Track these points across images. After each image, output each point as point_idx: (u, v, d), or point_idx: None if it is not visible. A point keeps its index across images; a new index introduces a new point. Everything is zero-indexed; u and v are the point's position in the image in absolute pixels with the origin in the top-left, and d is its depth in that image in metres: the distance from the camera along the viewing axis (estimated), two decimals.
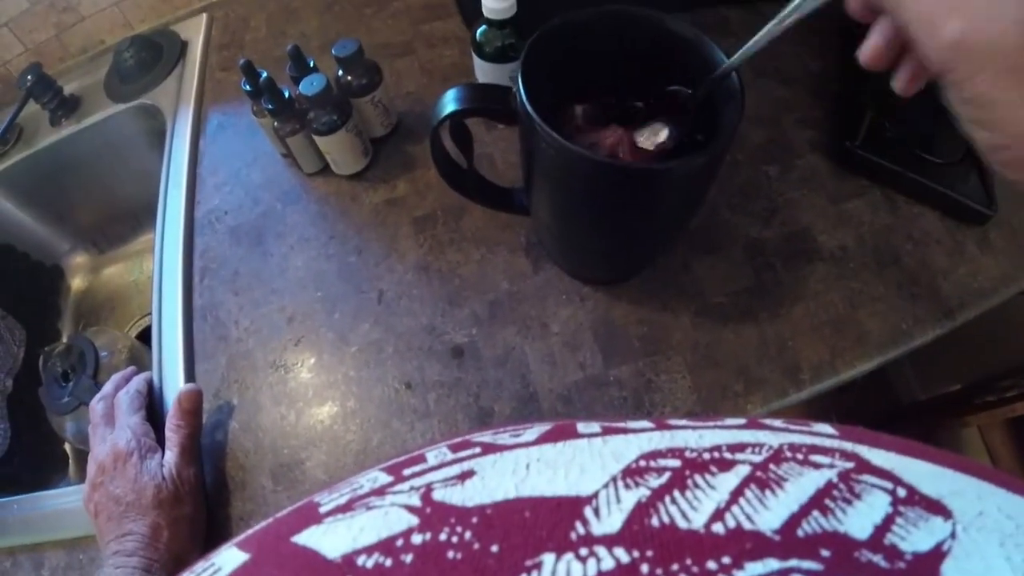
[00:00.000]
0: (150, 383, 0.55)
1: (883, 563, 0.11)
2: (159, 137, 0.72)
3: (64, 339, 0.84)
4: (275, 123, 0.56)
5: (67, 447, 0.80)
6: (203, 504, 0.49)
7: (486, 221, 0.57)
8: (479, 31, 0.55)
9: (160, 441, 0.49)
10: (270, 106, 0.54)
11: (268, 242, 0.59)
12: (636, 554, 0.12)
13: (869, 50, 0.26)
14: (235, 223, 0.61)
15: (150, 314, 0.79)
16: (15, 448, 0.77)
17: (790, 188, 0.59)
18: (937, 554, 0.11)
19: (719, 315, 0.53)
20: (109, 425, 0.50)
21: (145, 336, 0.81)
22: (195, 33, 0.77)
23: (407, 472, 0.18)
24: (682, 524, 0.13)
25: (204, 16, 0.78)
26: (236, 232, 0.60)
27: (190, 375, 0.55)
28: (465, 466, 0.18)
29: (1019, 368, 0.85)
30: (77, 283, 0.86)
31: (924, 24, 0.20)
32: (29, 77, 0.73)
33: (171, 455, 0.47)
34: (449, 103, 0.42)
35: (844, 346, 0.52)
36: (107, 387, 0.54)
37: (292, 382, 0.53)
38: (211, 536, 0.49)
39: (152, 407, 0.54)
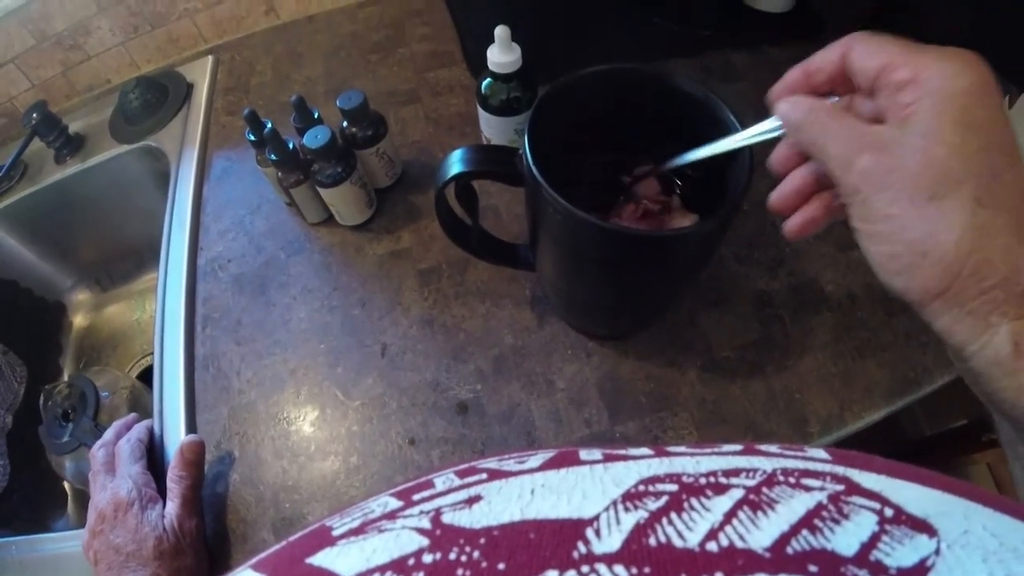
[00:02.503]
0: (151, 431, 0.55)
1: None
2: (163, 178, 0.72)
3: (65, 376, 0.84)
4: (279, 174, 0.56)
5: (66, 485, 0.79)
6: (205, 556, 0.48)
7: (491, 275, 0.56)
8: (484, 84, 0.55)
9: (161, 491, 0.49)
10: (274, 157, 0.54)
11: (271, 292, 0.59)
12: (635, 571, 0.13)
13: (779, 193, 0.31)
14: (238, 272, 0.61)
15: (152, 354, 0.79)
16: (14, 485, 0.76)
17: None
18: (921, 569, 0.12)
19: (726, 370, 0.52)
20: (110, 473, 0.50)
21: (146, 375, 0.81)
22: (201, 75, 0.77)
23: (416, 497, 0.19)
24: (678, 543, 0.13)
25: (210, 58, 0.79)
26: (239, 281, 0.60)
27: (191, 425, 0.55)
28: (472, 491, 0.18)
29: None
30: (79, 320, 0.86)
31: (842, 161, 0.25)
32: (35, 115, 0.73)
33: (172, 506, 0.47)
34: (455, 164, 0.42)
35: (852, 397, 0.52)
36: (108, 434, 0.54)
37: (294, 436, 0.53)
38: None
39: (153, 456, 0.54)
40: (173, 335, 0.59)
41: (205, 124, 0.72)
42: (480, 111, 0.56)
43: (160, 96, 0.74)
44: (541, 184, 0.37)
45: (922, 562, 0.12)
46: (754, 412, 0.51)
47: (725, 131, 0.40)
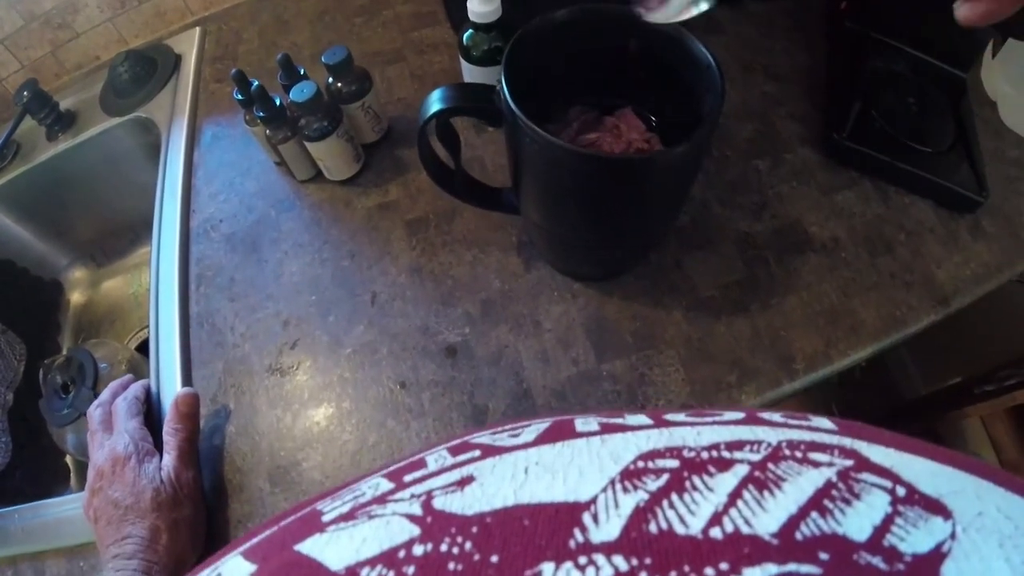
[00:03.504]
0: (148, 390, 0.56)
1: (882, 565, 0.11)
2: (155, 150, 0.73)
3: (64, 352, 0.85)
4: (267, 131, 0.57)
5: (68, 460, 0.80)
6: (202, 507, 0.49)
7: (478, 223, 0.57)
8: (466, 35, 0.56)
9: (158, 446, 0.49)
10: (261, 114, 0.55)
11: (263, 249, 0.60)
12: (635, 562, 0.12)
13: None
14: (230, 231, 0.61)
15: (147, 327, 0.80)
16: (16, 461, 0.77)
17: (780, 182, 0.60)
18: (937, 555, 0.11)
19: (711, 309, 0.53)
20: (107, 431, 0.50)
21: (144, 348, 0.81)
22: (188, 47, 0.78)
23: (408, 478, 0.19)
24: (680, 530, 0.13)
25: (197, 30, 0.79)
26: (231, 240, 0.61)
27: (187, 381, 0.56)
28: (464, 471, 0.18)
29: (1019, 359, 0.85)
30: (76, 297, 0.87)
31: None
32: (25, 93, 0.74)
33: (169, 458, 0.48)
34: (434, 103, 0.43)
35: (838, 335, 0.52)
36: (104, 394, 0.54)
37: (288, 385, 0.53)
38: (210, 538, 0.49)
39: (150, 414, 0.54)
40: (168, 296, 0.60)
41: (194, 93, 0.72)
42: (463, 63, 0.57)
43: (149, 69, 0.75)
44: (517, 115, 0.38)
45: (938, 547, 0.12)
46: (740, 349, 0.52)
47: (699, 65, 0.41)
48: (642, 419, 0.19)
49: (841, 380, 0.97)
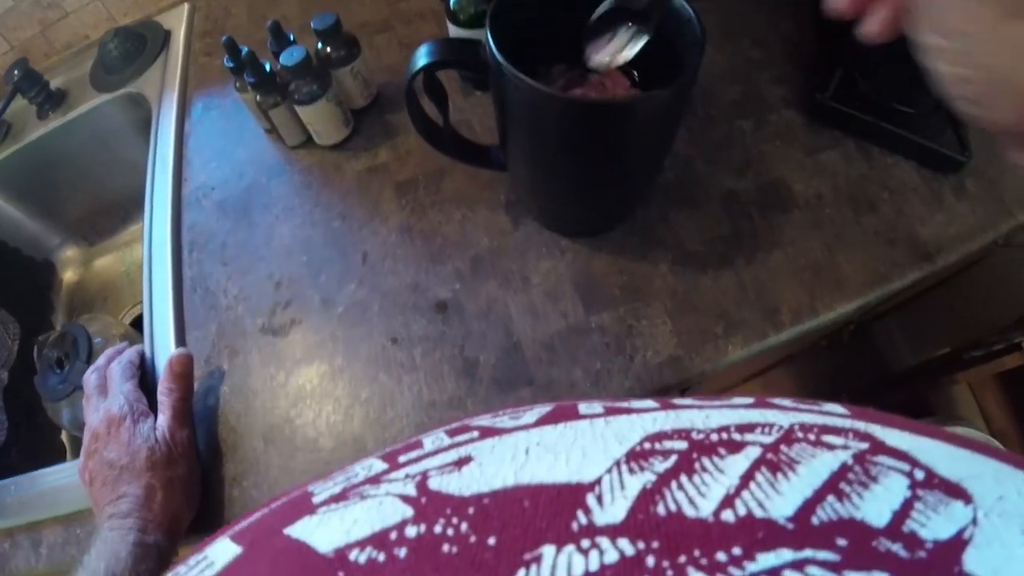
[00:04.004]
0: (142, 355, 0.56)
1: (903, 552, 0.11)
2: (145, 126, 0.73)
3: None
4: (257, 97, 0.58)
5: (64, 438, 0.81)
6: (197, 465, 0.50)
7: (466, 183, 0.58)
8: None
9: (153, 408, 0.50)
10: (252, 80, 0.56)
11: (254, 214, 0.60)
12: (641, 545, 0.11)
13: None
14: (222, 197, 0.62)
15: (142, 302, 0.80)
16: (12, 440, 0.78)
17: (764, 141, 0.61)
18: (959, 542, 0.11)
19: (697, 262, 0.54)
20: (102, 395, 0.51)
21: (137, 324, 0.82)
22: (177, 23, 0.78)
23: (403, 459, 0.18)
24: (690, 512, 0.12)
25: (186, 6, 0.80)
26: (223, 206, 0.61)
27: (181, 344, 0.56)
28: (462, 451, 0.17)
29: (1008, 326, 0.86)
30: (69, 276, 0.87)
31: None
32: (16, 72, 0.75)
33: (163, 418, 0.48)
34: (422, 57, 0.43)
35: (823, 289, 0.53)
36: (100, 360, 0.55)
37: (281, 344, 0.54)
38: (205, 497, 0.50)
39: (145, 379, 0.55)
40: (161, 263, 0.60)
41: (184, 67, 0.73)
42: (450, 26, 0.58)
43: (139, 45, 0.76)
44: (503, 65, 0.39)
45: (959, 533, 0.11)
46: (726, 302, 0.52)
47: (680, 19, 0.42)
48: (648, 403, 0.19)
49: (830, 343, 0.98)
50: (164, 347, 0.57)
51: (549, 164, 0.46)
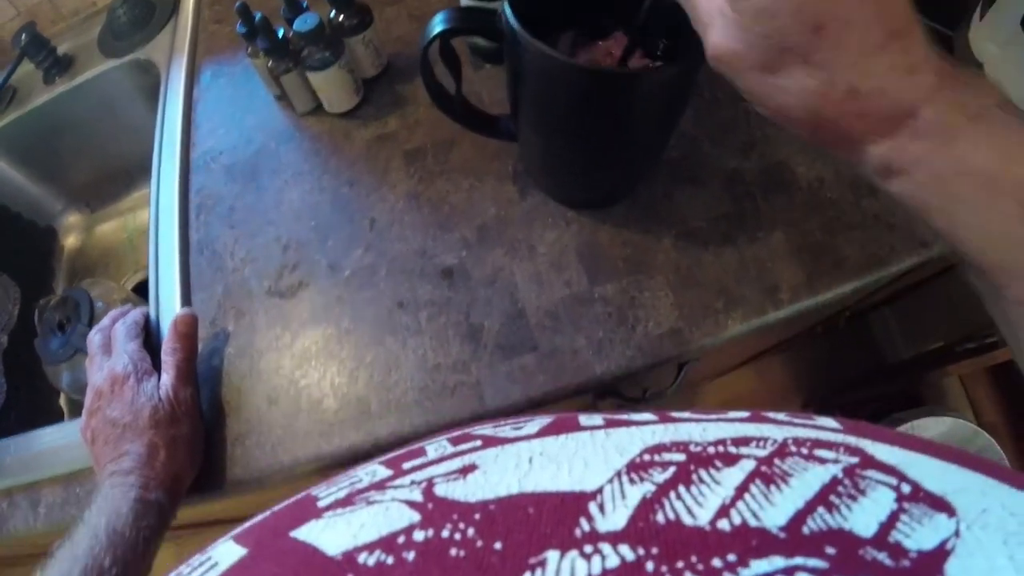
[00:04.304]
0: (147, 316, 0.56)
1: (888, 561, 0.11)
2: (152, 93, 0.73)
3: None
4: (269, 62, 0.58)
5: (63, 401, 0.81)
6: (200, 425, 0.50)
7: (475, 153, 0.58)
8: None
9: (157, 367, 0.50)
10: (264, 45, 0.56)
11: (263, 178, 0.61)
12: (641, 551, 0.12)
13: None
14: (230, 162, 0.62)
15: (144, 269, 0.80)
16: (11, 403, 0.78)
17: (768, 124, 0.60)
18: (941, 552, 0.11)
19: (699, 239, 0.55)
20: (106, 354, 0.51)
21: (139, 290, 0.82)
22: None
23: (407, 466, 0.18)
24: (687, 521, 0.13)
25: None
26: (231, 170, 0.62)
27: (187, 305, 0.57)
28: (466, 460, 0.18)
29: None
30: (71, 242, 0.87)
31: (699, 28, 0.26)
32: (23, 36, 0.75)
33: (167, 377, 0.48)
34: (438, 23, 0.44)
35: (822, 269, 0.54)
36: (104, 320, 0.55)
37: (287, 306, 0.55)
38: (207, 456, 0.51)
39: (149, 341, 0.55)
40: (168, 225, 0.60)
41: (193, 34, 0.73)
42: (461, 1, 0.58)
43: (148, 11, 0.76)
44: (518, 32, 0.39)
45: (942, 544, 0.12)
46: (726, 278, 0.53)
47: None
48: (647, 416, 0.20)
49: (825, 329, 0.99)
50: (169, 309, 0.57)
51: (559, 134, 0.47)
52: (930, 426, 0.89)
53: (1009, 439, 0.97)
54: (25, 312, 0.81)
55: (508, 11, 0.40)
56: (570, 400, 0.52)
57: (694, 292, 0.53)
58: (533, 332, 0.51)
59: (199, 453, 0.49)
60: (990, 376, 0.99)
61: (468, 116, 0.51)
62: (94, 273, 0.84)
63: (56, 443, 0.57)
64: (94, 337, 0.53)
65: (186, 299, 0.57)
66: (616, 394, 0.66)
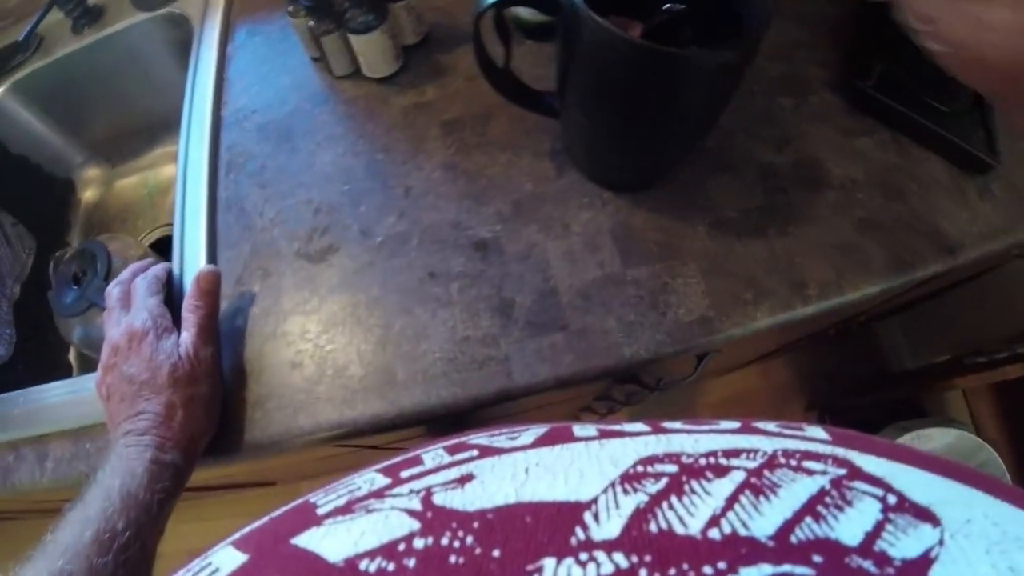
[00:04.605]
0: (169, 272, 0.55)
1: (873, 569, 0.12)
2: (182, 48, 0.73)
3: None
4: (311, 22, 0.57)
5: (71, 357, 0.80)
6: (219, 385, 0.49)
7: (512, 127, 0.58)
8: None
9: (177, 325, 0.49)
10: (308, 4, 0.56)
11: (296, 139, 0.60)
12: (635, 559, 0.12)
13: None
14: (263, 121, 0.62)
15: (162, 226, 0.79)
16: (19, 355, 0.77)
17: (803, 120, 0.61)
18: (925, 560, 0.12)
19: (731, 228, 0.55)
20: (125, 308, 0.49)
21: (157, 246, 0.82)
22: None
23: (405, 474, 0.19)
24: (679, 530, 0.13)
25: None
26: (264, 129, 0.61)
27: (212, 262, 0.56)
28: (464, 469, 0.18)
29: (1014, 336, 0.88)
30: (88, 196, 0.87)
31: None
32: None
33: (188, 335, 0.47)
34: None
35: (850, 268, 0.54)
36: (124, 273, 0.53)
37: (316, 269, 0.54)
38: (225, 417, 0.50)
39: (171, 297, 0.54)
40: (196, 181, 0.60)
41: None
42: None
43: None
44: (579, 7, 0.39)
45: (926, 553, 0.12)
46: (756, 270, 0.53)
47: None
48: (640, 426, 0.20)
49: (838, 331, 1.00)
50: (193, 265, 0.57)
51: (608, 113, 0.47)
52: (935, 436, 0.90)
53: (1010, 456, 0.98)
54: (39, 264, 0.81)
55: None
56: (591, 384, 0.52)
57: (725, 281, 0.53)
58: (564, 310, 0.51)
59: (217, 414, 0.49)
60: (993, 391, 1.00)
61: (515, 89, 0.51)
62: (111, 228, 0.84)
63: (67, 397, 0.56)
64: (113, 290, 0.51)
65: (212, 256, 0.56)
66: (635, 380, 0.66)
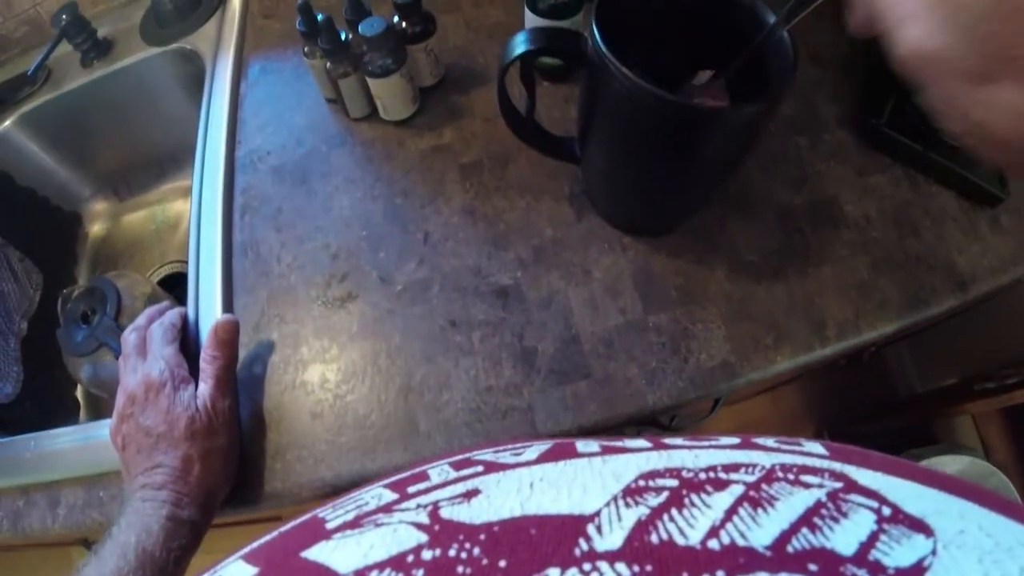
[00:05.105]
0: (184, 318, 0.54)
1: None
2: (192, 82, 0.72)
3: (81, 284, 0.84)
4: (328, 64, 0.57)
5: (79, 394, 0.79)
6: (237, 437, 0.49)
7: (532, 170, 0.58)
8: None
9: (194, 374, 0.48)
10: (326, 46, 0.55)
11: (312, 181, 0.60)
12: (636, 569, 0.13)
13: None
14: (278, 163, 0.61)
15: (171, 263, 0.79)
16: (26, 392, 0.76)
17: (818, 159, 0.62)
18: (919, 569, 0.12)
19: (751, 272, 0.55)
20: (141, 356, 0.49)
21: (165, 283, 0.81)
22: None
23: (412, 489, 0.19)
24: (680, 540, 0.14)
25: None
26: (279, 171, 0.61)
27: (228, 309, 0.56)
28: (469, 484, 0.18)
29: (1022, 360, 0.88)
30: (96, 230, 0.86)
31: (892, 27, 0.22)
32: (64, 16, 0.73)
33: (205, 386, 0.47)
34: (520, 44, 0.43)
35: (867, 308, 0.54)
36: (140, 319, 0.53)
37: (335, 317, 0.54)
38: (243, 468, 0.49)
39: (186, 343, 0.53)
40: (210, 224, 0.59)
41: (241, 26, 0.71)
42: (527, 13, 0.58)
43: (194, 1, 0.74)
44: (607, 58, 0.39)
45: (919, 562, 0.12)
46: (777, 312, 0.53)
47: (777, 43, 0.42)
48: (641, 442, 0.21)
49: (849, 361, 1.00)
50: (209, 311, 0.56)
51: (632, 161, 0.47)
52: (947, 464, 0.90)
53: (1020, 478, 0.98)
54: (45, 299, 0.80)
55: (596, 35, 0.40)
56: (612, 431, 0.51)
57: (746, 325, 0.52)
58: (587, 358, 0.51)
59: (235, 466, 0.48)
60: (1003, 415, 1.00)
61: (538, 138, 0.51)
62: (118, 263, 0.83)
63: (79, 443, 0.55)
64: (129, 336, 0.51)
65: (228, 302, 0.56)
66: (652, 422, 0.66)
